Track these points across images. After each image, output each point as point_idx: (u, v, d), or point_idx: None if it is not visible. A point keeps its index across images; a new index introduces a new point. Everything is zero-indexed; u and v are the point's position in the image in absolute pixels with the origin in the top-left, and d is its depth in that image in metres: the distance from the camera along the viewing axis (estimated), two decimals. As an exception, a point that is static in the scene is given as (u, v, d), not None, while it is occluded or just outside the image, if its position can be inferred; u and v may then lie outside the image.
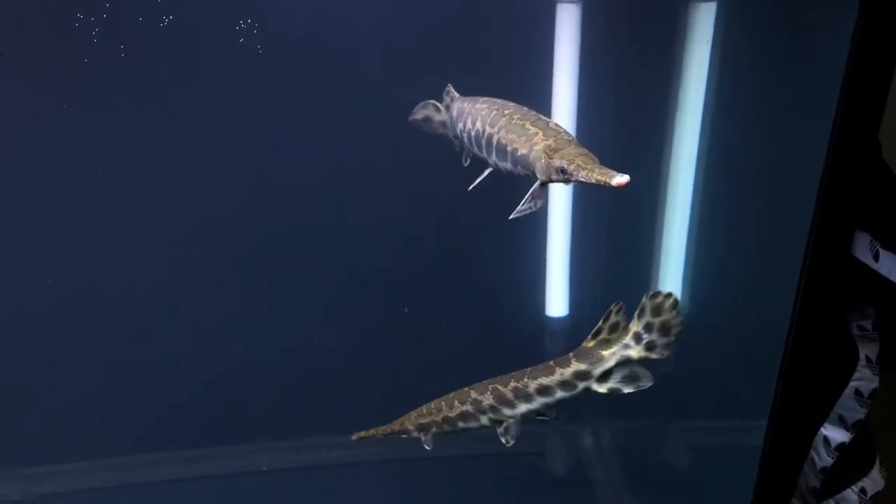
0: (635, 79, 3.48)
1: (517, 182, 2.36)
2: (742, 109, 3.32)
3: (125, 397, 4.14)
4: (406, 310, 4.20)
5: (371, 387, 4.21)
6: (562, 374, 2.44)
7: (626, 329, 2.31)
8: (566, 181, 2.15)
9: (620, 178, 1.93)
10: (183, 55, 3.53)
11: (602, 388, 2.40)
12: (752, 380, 2.63)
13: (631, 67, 3.46)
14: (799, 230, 1.70)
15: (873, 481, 1.84)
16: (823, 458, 1.88)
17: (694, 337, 3.78)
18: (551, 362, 2.48)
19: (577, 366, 2.40)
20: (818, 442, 1.89)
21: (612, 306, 2.32)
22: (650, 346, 2.31)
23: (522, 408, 2.61)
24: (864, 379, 1.79)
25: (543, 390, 2.51)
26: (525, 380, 2.57)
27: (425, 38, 3.50)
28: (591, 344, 2.38)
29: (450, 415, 2.85)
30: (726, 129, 3.36)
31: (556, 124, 2.35)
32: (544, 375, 2.50)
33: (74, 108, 3.61)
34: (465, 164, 2.86)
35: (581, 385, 2.42)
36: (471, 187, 2.63)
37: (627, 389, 2.41)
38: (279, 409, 4.29)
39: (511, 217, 2.28)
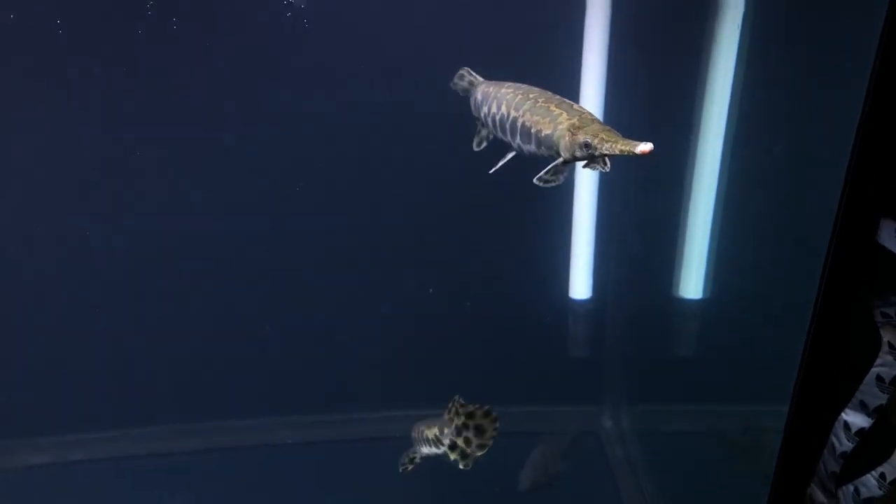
0: (664, 62, 3.46)
1: (541, 167, 2.38)
2: (770, 94, 3.29)
3: (155, 370, 4.24)
4: (431, 290, 4.23)
5: (394, 366, 4.26)
6: (430, 432, 2.95)
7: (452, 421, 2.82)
8: (590, 157, 2.18)
9: (644, 146, 1.96)
10: (233, 29, 3.60)
11: (453, 456, 2.85)
12: (772, 364, 2.64)
13: (660, 51, 3.45)
14: (823, 216, 1.70)
15: (893, 467, 1.84)
16: (843, 444, 1.88)
17: (716, 321, 3.80)
18: (438, 420, 2.95)
19: (436, 430, 2.91)
20: (838, 427, 1.90)
21: (455, 398, 2.83)
22: (466, 442, 2.82)
23: (422, 449, 3.07)
24: (886, 365, 1.79)
25: (428, 441, 2.98)
26: (423, 426, 3.03)
27: (455, 21, 3.52)
28: (446, 417, 2.87)
29: (413, 435, 3.22)
30: (754, 114, 3.34)
31: (580, 107, 2.38)
32: (427, 428, 2.98)
33: (127, 77, 3.67)
34: (477, 149, 2.90)
35: (441, 448, 2.91)
36: (492, 170, 2.65)
37: (461, 465, 2.85)
38: (304, 386, 4.35)
39: (535, 180, 2.32)
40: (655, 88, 3.48)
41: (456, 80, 2.98)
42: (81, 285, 4.07)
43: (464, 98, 2.98)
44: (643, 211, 3.93)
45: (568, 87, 3.17)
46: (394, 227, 4.07)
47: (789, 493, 1.96)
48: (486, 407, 2.84)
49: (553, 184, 2.35)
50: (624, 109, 3.42)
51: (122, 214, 3.98)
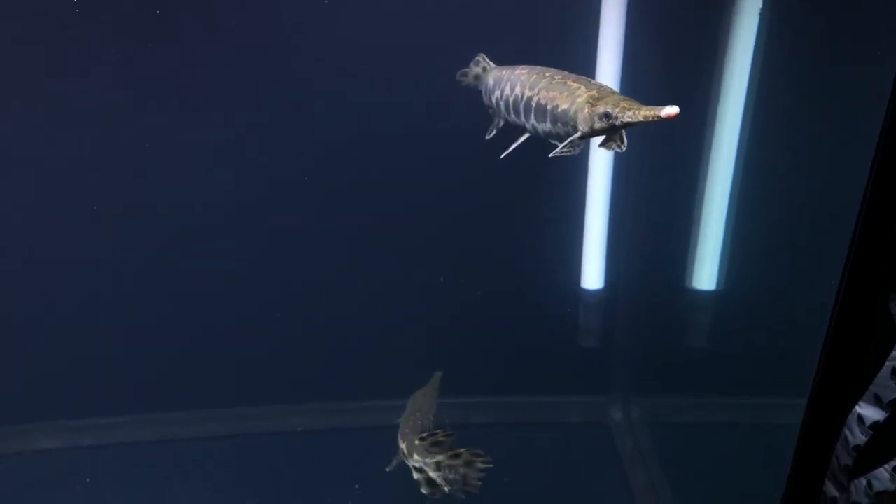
0: (681, 50, 3.43)
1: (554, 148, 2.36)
2: (789, 85, 3.26)
3: (167, 356, 4.25)
4: (441, 279, 4.23)
5: (405, 354, 4.26)
6: (422, 445, 2.92)
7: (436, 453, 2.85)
8: (611, 128, 2.14)
9: (670, 110, 1.92)
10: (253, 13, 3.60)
11: (415, 475, 2.91)
12: (785, 357, 2.62)
13: (677, 37, 3.42)
14: (842, 207, 1.68)
15: (907, 461, 1.82)
16: (857, 437, 1.86)
17: (729, 314, 3.78)
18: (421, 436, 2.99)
19: (409, 442, 2.95)
20: (852, 420, 1.87)
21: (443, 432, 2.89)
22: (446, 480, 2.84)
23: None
24: (901, 358, 1.76)
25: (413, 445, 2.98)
26: (414, 434, 3.03)
27: (468, 4, 3.50)
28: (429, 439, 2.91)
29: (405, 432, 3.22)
30: (772, 105, 3.30)
31: (598, 82, 2.35)
32: (419, 437, 2.96)
33: (139, 62, 3.68)
34: (488, 137, 2.88)
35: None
36: (503, 155, 2.62)
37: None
38: (315, 374, 4.36)
39: (551, 156, 2.29)
40: (672, 76, 3.44)
41: (462, 76, 2.98)
42: (91, 271, 4.08)
43: (475, 89, 2.98)
44: (657, 200, 3.90)
45: (583, 72, 3.16)
46: (404, 217, 4.07)
47: (805, 486, 1.95)
48: (477, 453, 2.86)
49: (569, 153, 2.31)
50: (639, 97, 3.39)
51: (132, 203, 3.98)
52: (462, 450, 2.81)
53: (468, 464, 2.81)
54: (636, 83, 3.34)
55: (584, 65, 3.34)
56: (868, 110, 1.51)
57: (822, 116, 3.16)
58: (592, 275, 3.89)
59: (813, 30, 3.13)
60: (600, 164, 3.62)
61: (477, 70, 2.93)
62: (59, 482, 4.13)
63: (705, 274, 3.71)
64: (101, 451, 4.33)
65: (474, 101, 2.97)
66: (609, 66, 3.32)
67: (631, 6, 3.25)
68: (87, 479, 4.09)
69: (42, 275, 4.07)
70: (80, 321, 4.15)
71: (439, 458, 2.82)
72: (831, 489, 1.95)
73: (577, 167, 3.68)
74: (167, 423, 4.42)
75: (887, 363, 1.74)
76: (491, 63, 2.88)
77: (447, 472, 2.82)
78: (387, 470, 3.15)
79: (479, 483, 2.83)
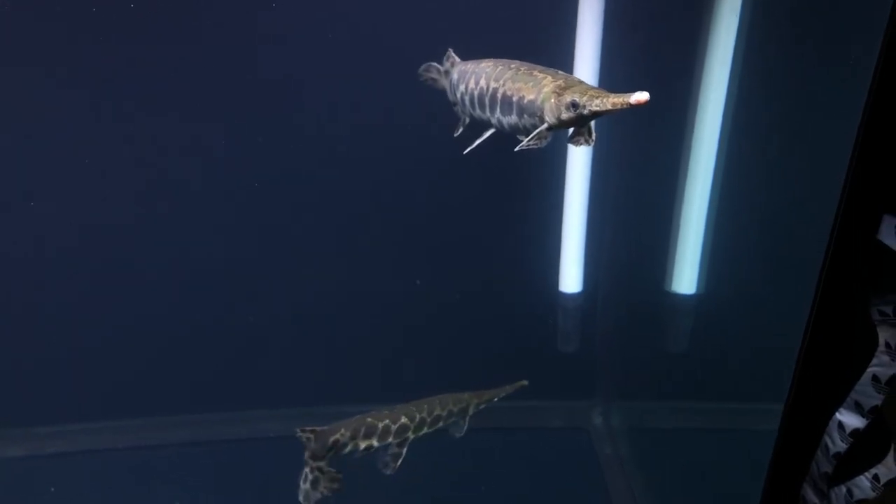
0: (660, 48, 3.42)
1: (530, 154, 2.32)
2: (769, 88, 3.26)
3: (137, 361, 4.18)
4: (418, 282, 4.21)
5: (381, 359, 4.24)
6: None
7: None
8: (579, 118, 2.07)
9: (639, 96, 1.86)
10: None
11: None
12: (765, 362, 2.61)
13: (655, 36, 3.42)
14: (821, 211, 1.66)
15: (887, 468, 1.81)
16: (837, 444, 1.85)
17: (709, 318, 3.78)
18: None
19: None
20: (832, 427, 1.86)
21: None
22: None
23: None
24: (882, 365, 1.75)
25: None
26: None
27: (446, 8, 3.48)
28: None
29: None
30: (751, 106, 3.30)
31: (566, 73, 2.27)
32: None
33: (119, 65, 3.64)
34: (456, 135, 2.81)
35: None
36: (467, 151, 2.56)
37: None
38: (290, 378, 4.32)
39: (517, 149, 2.24)
40: (650, 79, 3.43)
41: (423, 72, 2.92)
42: (57, 278, 4.03)
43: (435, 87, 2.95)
44: (636, 203, 3.89)
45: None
46: (382, 220, 4.04)
47: (782, 492, 1.93)
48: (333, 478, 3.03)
49: (535, 146, 2.25)
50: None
51: (107, 207, 3.92)
52: (312, 459, 3.01)
53: (321, 471, 3.01)
54: (613, 86, 3.33)
55: (560, 67, 3.33)
56: (847, 114, 1.50)
57: (802, 120, 3.17)
58: (571, 278, 3.87)
59: (792, 32, 3.14)
60: (578, 166, 3.60)
61: (433, 74, 2.89)
62: (24, 491, 4.05)
63: (685, 277, 3.70)
64: (67, 458, 4.25)
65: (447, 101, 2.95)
66: (586, 69, 3.30)
67: (608, 7, 3.23)
68: (52, 489, 4.02)
69: (10, 280, 4.00)
70: (46, 327, 4.08)
71: (306, 455, 3.01)
72: (811, 496, 1.94)
73: (554, 169, 3.67)
74: (135, 430, 4.35)
75: (868, 369, 1.73)
76: (458, 59, 2.83)
77: (308, 473, 3.02)
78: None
79: (320, 495, 3.01)
